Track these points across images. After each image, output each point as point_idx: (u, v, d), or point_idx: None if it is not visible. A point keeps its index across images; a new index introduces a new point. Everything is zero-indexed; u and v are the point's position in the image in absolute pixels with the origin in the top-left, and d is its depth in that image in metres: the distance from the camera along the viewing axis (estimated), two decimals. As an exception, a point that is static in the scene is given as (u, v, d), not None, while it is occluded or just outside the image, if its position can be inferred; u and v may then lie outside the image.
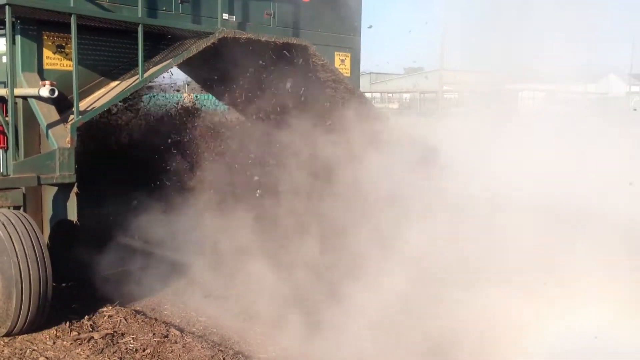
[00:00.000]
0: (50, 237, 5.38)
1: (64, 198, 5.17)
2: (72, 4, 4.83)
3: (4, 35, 4.97)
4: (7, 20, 4.58)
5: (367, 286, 4.93)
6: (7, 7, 4.48)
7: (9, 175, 4.83)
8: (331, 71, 7.09)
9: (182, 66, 7.70)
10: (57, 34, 5.20)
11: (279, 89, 6.86)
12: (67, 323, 4.63)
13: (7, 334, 4.37)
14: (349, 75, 7.78)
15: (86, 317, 4.78)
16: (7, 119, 4.93)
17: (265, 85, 6.94)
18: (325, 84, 7.18)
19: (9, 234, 4.33)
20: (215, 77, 7.40)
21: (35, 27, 5.08)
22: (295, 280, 5.36)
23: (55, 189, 5.21)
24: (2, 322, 4.37)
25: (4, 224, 4.38)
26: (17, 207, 4.77)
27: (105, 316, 4.87)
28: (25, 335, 4.43)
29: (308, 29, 7.11)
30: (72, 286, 5.60)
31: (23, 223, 4.47)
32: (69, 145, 4.92)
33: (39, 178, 4.81)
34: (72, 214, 5.14)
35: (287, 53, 6.65)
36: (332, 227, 6.07)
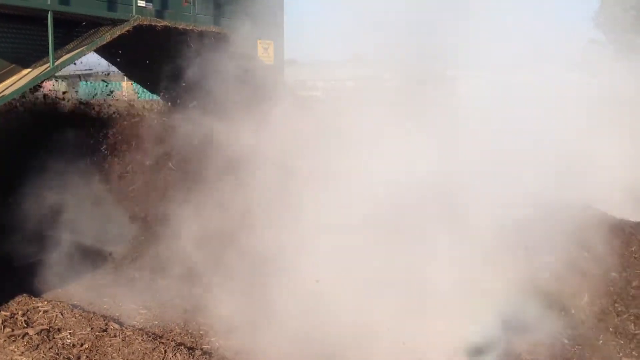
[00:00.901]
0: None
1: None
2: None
3: None
4: None
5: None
6: None
7: None
8: (251, 59, 7.21)
9: (104, 54, 7.66)
10: (-37, 20, 5.10)
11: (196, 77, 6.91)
12: (0, 319, 4.49)
13: None
14: (272, 62, 7.91)
15: (20, 312, 4.66)
16: None
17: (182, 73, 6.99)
18: (247, 72, 7.28)
19: None
20: (136, 65, 7.39)
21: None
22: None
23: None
24: None
25: None
26: None
27: (40, 311, 4.72)
28: None
29: (229, 18, 7.17)
30: None
31: None
32: (-23, 133, 4.86)
33: (-55, 166, 4.75)
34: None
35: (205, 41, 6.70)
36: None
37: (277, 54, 8.04)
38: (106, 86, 10.00)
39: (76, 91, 8.92)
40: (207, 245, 5.48)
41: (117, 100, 9.26)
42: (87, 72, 10.03)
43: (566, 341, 4.68)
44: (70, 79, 10.14)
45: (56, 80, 8.36)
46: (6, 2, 5.08)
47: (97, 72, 9.79)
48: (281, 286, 4.83)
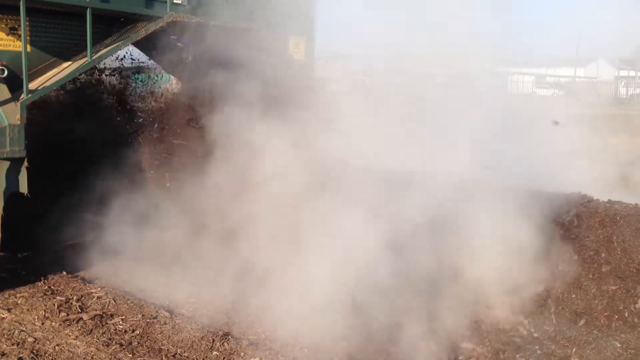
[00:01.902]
0: (4, 209, 5.68)
1: (16, 172, 5.48)
2: (19, -12, 5.07)
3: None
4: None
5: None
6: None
7: (-40, 149, 5.11)
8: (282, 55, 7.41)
9: (143, 48, 7.99)
10: (9, 16, 5.45)
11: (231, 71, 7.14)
12: (56, 304, 4.68)
13: (-44, 296, 4.72)
14: (302, 58, 8.10)
15: (74, 297, 4.85)
16: (-42, 96, 5.20)
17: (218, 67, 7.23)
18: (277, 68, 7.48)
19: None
20: (172, 59, 7.67)
21: (-14, 9, 5.34)
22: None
23: (8, 163, 5.51)
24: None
25: (-45, 195, 4.70)
26: (-31, 179, 5.07)
27: (94, 297, 4.90)
28: (14, 316, 4.52)
29: (261, 14, 7.36)
30: (48, 263, 5.83)
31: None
32: (19, 122, 5.22)
33: (-10, 152, 5.12)
34: (23, 188, 5.46)
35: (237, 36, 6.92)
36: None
37: (308, 50, 8.22)
38: (158, 79, 10.40)
39: (129, 83, 9.30)
40: (258, 241, 5.59)
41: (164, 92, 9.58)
42: (141, 64, 10.44)
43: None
44: (125, 71, 10.57)
45: (112, 74, 8.74)
46: (50, -1, 5.43)
47: (149, 66, 10.14)
48: (330, 283, 4.92)
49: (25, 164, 5.39)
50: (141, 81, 9.99)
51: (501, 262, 5.15)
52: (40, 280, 5.16)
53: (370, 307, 4.88)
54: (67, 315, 4.53)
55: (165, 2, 6.28)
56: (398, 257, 5.04)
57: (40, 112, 6.48)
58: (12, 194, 5.59)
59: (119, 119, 7.73)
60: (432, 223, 5.22)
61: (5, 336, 4.20)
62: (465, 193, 5.57)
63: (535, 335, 4.73)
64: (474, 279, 5.21)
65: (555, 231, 5.45)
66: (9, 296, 4.86)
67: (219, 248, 5.74)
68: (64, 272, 5.55)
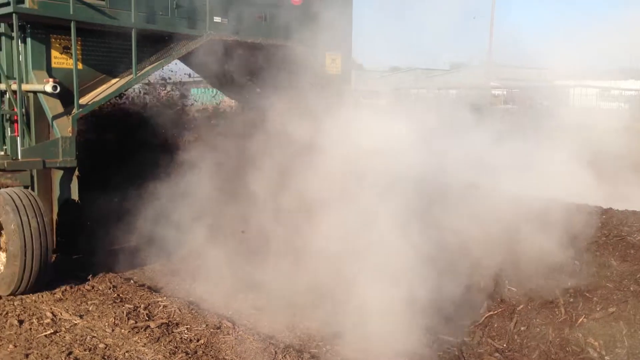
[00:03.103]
0: (58, 214, 6.15)
1: (68, 180, 5.94)
2: (72, 12, 5.55)
3: (19, 37, 5.76)
4: (14, 25, 5.35)
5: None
6: (14, 14, 5.26)
7: (18, 159, 5.60)
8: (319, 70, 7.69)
9: (188, 63, 8.43)
10: (63, 36, 5.95)
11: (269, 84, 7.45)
12: (125, 311, 4.80)
13: (12, 294, 5.15)
14: (339, 73, 8.36)
15: (142, 305, 4.97)
16: (15, 110, 5.71)
17: (257, 81, 7.58)
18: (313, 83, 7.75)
19: (17, 208, 5.11)
20: (215, 74, 8.07)
21: (43, 30, 5.83)
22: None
23: (62, 172, 5.98)
24: (10, 284, 5.15)
25: (13, 200, 5.17)
26: (25, 187, 5.55)
27: (160, 306, 5.01)
28: (86, 322, 4.65)
29: (298, 31, 7.66)
30: (101, 265, 6.10)
31: (29, 200, 5.25)
32: (70, 134, 5.67)
33: (44, 162, 5.58)
34: (75, 195, 5.91)
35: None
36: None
37: (345, 65, 8.47)
38: (213, 92, 10.94)
39: (187, 97, 9.81)
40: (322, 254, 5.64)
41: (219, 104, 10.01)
42: (197, 79, 10.96)
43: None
44: (183, 85, 11.12)
45: (171, 88, 9.27)
46: (98, 21, 5.89)
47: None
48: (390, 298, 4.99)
49: (76, 172, 5.84)
50: (197, 95, 10.47)
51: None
52: (110, 289, 5.43)
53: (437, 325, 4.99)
54: (136, 322, 4.65)
55: (205, 21, 6.67)
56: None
57: (93, 124, 6.93)
58: (65, 200, 6.07)
59: (171, 129, 8.07)
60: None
61: (78, 342, 4.33)
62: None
63: (607, 358, 4.65)
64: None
65: (627, 250, 5.38)
66: (81, 303, 5.06)
67: (282, 261, 5.83)
68: (132, 281, 5.80)
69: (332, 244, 5.47)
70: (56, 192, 6.16)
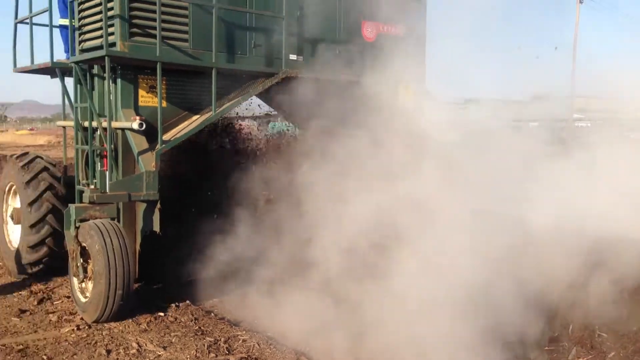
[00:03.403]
0: (141, 245, 6.47)
1: (151, 213, 6.25)
2: (158, 54, 5.90)
3: (110, 78, 6.18)
4: (106, 67, 5.76)
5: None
6: (106, 57, 5.67)
7: (106, 192, 5.96)
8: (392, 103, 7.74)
9: (266, 99, 8.71)
10: (149, 77, 6.34)
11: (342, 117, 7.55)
12: (206, 344, 4.93)
13: (96, 320, 5.43)
14: (413, 105, 8.35)
15: (222, 339, 5.07)
16: (104, 146, 6.10)
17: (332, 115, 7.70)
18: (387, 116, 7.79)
19: (101, 232, 5.43)
20: (291, 109, 8.29)
21: (132, 71, 6.25)
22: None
23: (145, 205, 6.30)
24: (96, 307, 5.44)
25: (101, 231, 5.49)
26: (112, 219, 5.87)
27: (239, 340, 5.10)
28: (169, 354, 4.77)
29: (372, 65, 7.77)
30: (181, 295, 6.31)
31: (113, 227, 5.56)
32: (154, 169, 5.98)
33: (129, 195, 5.91)
34: (156, 226, 6.21)
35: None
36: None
37: (417, 98, 8.46)
38: (288, 126, 11.30)
39: (265, 129, 10.19)
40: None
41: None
42: (274, 113, 11.33)
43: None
44: (261, 119, 11.62)
45: (250, 121, 9.64)
46: (182, 61, 6.23)
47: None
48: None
49: (158, 205, 6.14)
50: (275, 128, 10.79)
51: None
52: (192, 321, 5.57)
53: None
54: (216, 356, 4.71)
55: (281, 59, 6.90)
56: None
57: (175, 159, 7.27)
58: (147, 232, 6.38)
59: (249, 161, 8.30)
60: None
61: (161, 373, 4.39)
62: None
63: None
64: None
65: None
66: (164, 334, 5.21)
67: (371, 305, 5.79)
68: (213, 314, 5.94)
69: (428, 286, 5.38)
70: (139, 223, 6.49)
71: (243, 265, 6.73)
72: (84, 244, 5.59)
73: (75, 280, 5.78)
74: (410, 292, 5.35)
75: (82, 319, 5.55)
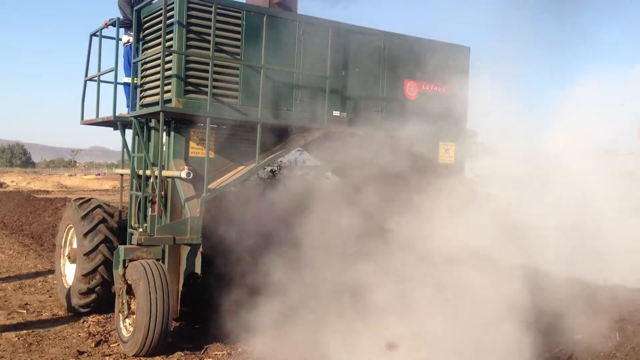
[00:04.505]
0: (183, 285, 6.83)
1: (193, 255, 6.64)
2: (208, 109, 6.42)
3: (165, 130, 6.72)
4: (160, 121, 6.31)
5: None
6: (160, 113, 6.23)
7: (153, 235, 6.41)
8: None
9: (308, 151, 9.11)
10: (201, 130, 6.85)
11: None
12: None
13: (136, 354, 5.78)
14: (452, 162, 8.57)
15: None
16: (155, 192, 6.60)
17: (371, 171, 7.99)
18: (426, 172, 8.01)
19: (147, 278, 5.83)
20: (334, 162, 8.64)
21: (185, 125, 6.78)
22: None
23: (189, 248, 6.70)
24: (135, 344, 5.80)
25: (145, 271, 5.90)
26: (157, 260, 6.29)
27: None
28: None
29: (413, 123, 8.04)
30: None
31: (159, 271, 5.97)
32: (198, 215, 6.40)
33: (174, 239, 6.34)
34: (198, 268, 6.58)
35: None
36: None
37: (458, 154, 8.66)
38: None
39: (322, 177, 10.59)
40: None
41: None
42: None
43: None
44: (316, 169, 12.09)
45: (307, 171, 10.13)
46: (231, 117, 6.69)
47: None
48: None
49: (200, 249, 6.52)
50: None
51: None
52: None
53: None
54: None
55: (324, 114, 7.30)
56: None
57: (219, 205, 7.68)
58: (189, 273, 6.75)
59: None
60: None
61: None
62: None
63: None
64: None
65: None
66: None
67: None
68: (245, 354, 6.05)
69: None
70: (183, 265, 6.88)
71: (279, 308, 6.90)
72: (129, 282, 6.00)
73: (120, 316, 6.18)
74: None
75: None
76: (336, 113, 7.57)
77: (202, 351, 5.98)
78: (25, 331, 6.64)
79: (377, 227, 7.68)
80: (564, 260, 6.59)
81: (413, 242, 6.79)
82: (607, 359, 4.93)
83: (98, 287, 7.24)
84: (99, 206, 7.48)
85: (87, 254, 7.15)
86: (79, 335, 6.65)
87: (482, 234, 6.43)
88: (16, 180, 45.65)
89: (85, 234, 7.21)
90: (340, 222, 7.69)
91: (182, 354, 5.90)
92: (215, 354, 5.95)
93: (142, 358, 5.84)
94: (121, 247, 6.28)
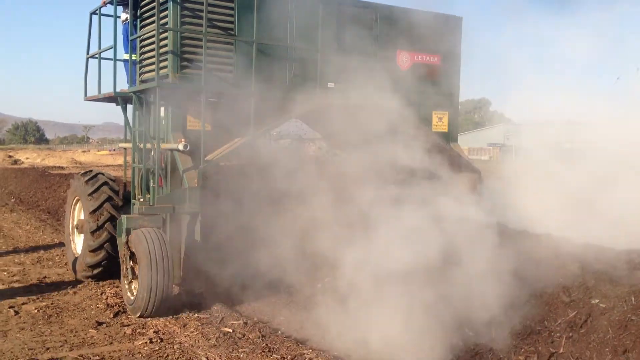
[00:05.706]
0: (185, 252, 7.17)
1: (193, 224, 6.97)
2: (203, 83, 6.68)
3: (162, 105, 7.00)
4: (156, 96, 6.59)
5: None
6: (156, 88, 6.50)
7: (154, 205, 6.74)
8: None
9: (307, 122, 9.33)
10: (196, 104, 7.10)
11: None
12: None
13: (141, 316, 6.17)
14: (446, 131, 8.78)
15: (289, 357, 5.15)
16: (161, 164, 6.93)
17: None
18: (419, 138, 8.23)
19: (147, 245, 6.18)
20: (329, 132, 8.88)
21: (182, 99, 7.04)
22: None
23: (188, 217, 7.03)
24: (139, 307, 6.18)
25: (146, 238, 6.25)
26: (158, 228, 6.63)
27: (306, 358, 5.14)
28: None
29: (406, 92, 8.23)
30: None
31: (158, 239, 6.30)
32: (196, 185, 6.71)
33: (174, 208, 6.67)
34: (197, 236, 6.91)
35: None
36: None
37: (452, 123, 8.87)
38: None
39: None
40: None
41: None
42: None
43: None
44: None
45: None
46: (222, 89, 6.94)
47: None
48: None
49: (199, 217, 6.85)
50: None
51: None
52: (259, 338, 5.61)
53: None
54: None
55: (317, 87, 7.52)
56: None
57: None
58: (190, 241, 7.09)
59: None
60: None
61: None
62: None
63: None
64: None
65: None
66: (233, 350, 5.31)
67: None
68: (280, 332, 5.98)
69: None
70: (183, 233, 7.22)
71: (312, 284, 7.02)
72: (132, 249, 6.37)
73: (125, 281, 6.57)
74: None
75: (155, 332, 5.83)
76: (331, 85, 7.79)
77: (234, 330, 5.93)
78: (44, 303, 6.84)
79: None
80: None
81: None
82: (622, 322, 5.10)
83: (104, 262, 7.57)
84: (105, 183, 7.73)
85: (93, 232, 7.47)
86: (98, 307, 6.72)
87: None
88: (31, 157, 46.26)
89: (92, 212, 7.52)
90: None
91: (215, 333, 5.78)
92: (232, 324, 6.02)
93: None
94: (124, 217, 6.63)
